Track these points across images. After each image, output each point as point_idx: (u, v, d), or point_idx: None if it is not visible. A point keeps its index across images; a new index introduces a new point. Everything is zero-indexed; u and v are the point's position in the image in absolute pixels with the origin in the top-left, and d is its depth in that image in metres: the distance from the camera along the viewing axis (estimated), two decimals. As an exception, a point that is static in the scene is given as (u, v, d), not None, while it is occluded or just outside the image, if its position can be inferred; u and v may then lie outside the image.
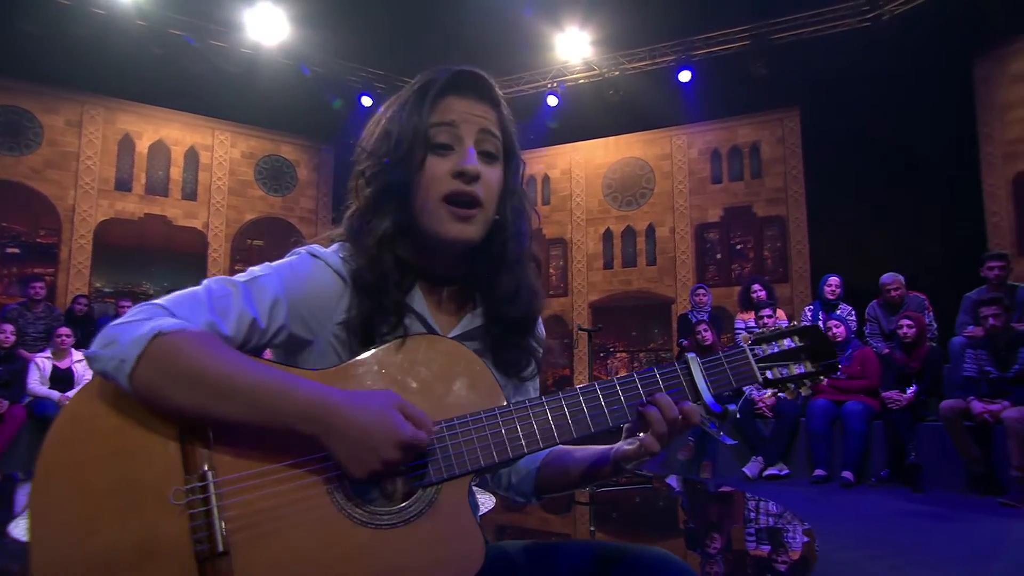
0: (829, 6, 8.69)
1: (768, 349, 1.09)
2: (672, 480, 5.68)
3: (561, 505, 4.46)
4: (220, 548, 0.82)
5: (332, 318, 1.01)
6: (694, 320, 6.49)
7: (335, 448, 0.85)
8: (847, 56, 8.29)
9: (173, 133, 9.62)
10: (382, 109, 1.10)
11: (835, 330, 5.35)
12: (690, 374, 1.02)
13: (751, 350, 1.07)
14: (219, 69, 9.06)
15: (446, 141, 1.02)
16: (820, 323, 5.95)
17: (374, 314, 1.01)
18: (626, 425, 1.05)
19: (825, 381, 1.24)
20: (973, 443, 4.63)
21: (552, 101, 10.23)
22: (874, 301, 5.95)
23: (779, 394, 1.22)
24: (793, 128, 9.25)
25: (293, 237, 9.87)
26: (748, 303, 6.45)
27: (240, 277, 0.98)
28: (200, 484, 0.85)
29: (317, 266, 1.03)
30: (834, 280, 6.12)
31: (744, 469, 5.42)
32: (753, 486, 5.17)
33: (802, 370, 1.09)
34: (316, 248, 1.06)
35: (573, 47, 9.64)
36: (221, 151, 9.87)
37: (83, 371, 6.47)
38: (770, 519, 4.17)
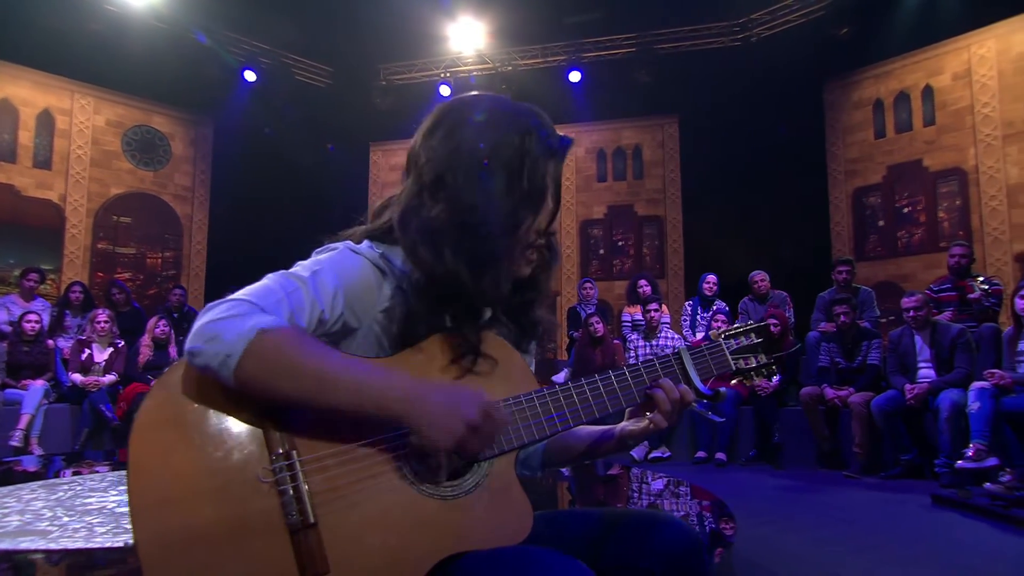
0: (706, 23, 9.42)
1: (735, 344, 1.29)
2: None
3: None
4: (311, 519, 0.89)
5: (375, 307, 1.09)
6: (583, 314, 6.85)
7: (423, 425, 0.92)
8: (721, 71, 9.04)
9: (22, 92, 8.59)
10: (474, 134, 1.06)
11: (721, 324, 5.90)
12: (682, 363, 1.20)
13: (725, 344, 1.27)
14: (79, 26, 8.25)
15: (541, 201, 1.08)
16: (700, 317, 6.52)
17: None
18: (629, 409, 1.22)
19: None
20: (824, 424, 5.32)
21: (445, 91, 10.27)
22: (746, 297, 6.61)
23: (743, 381, 1.45)
24: (672, 134, 9.93)
25: (166, 215, 9.21)
26: (635, 297, 6.90)
27: (301, 271, 1.03)
28: (287, 463, 0.91)
29: (359, 260, 1.09)
30: (711, 278, 6.72)
31: (631, 452, 5.85)
32: (640, 467, 5.58)
33: (760, 361, 1.31)
34: (352, 244, 1.13)
35: (467, 38, 9.74)
36: (82, 116, 8.97)
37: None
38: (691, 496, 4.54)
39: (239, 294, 0.96)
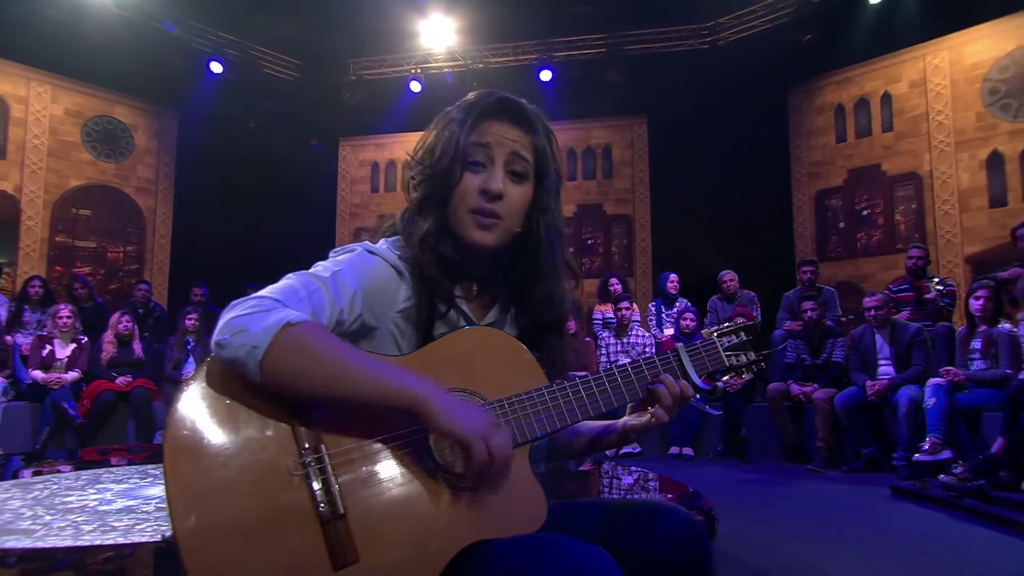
0: (675, 26, 9.58)
1: (727, 342, 1.36)
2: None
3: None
4: (340, 510, 0.92)
5: (392, 307, 1.12)
6: (556, 310, 6.91)
7: (438, 413, 0.95)
8: (689, 73, 9.20)
9: (-25, 79, 8.33)
10: (433, 124, 1.22)
11: (689, 323, 6.03)
12: (680, 360, 1.26)
13: (719, 342, 1.34)
14: (36, 11, 7.99)
15: (480, 160, 1.16)
16: (666, 315, 6.64)
17: (430, 302, 1.14)
18: (631, 404, 1.27)
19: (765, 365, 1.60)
20: (790, 420, 5.49)
21: (415, 87, 10.23)
22: (715, 296, 6.78)
23: (733, 377, 1.52)
24: (641, 134, 10.06)
25: (128, 208, 8.97)
26: (606, 295, 7.00)
27: (321, 272, 1.06)
28: (316, 456, 0.94)
29: (376, 261, 1.13)
30: (674, 277, 6.91)
31: (602, 447, 5.93)
32: (611, 463, 5.67)
33: (749, 358, 1.38)
34: (370, 245, 1.16)
35: (438, 35, 9.72)
36: (39, 105, 8.68)
37: None
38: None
39: (263, 292, 0.98)
